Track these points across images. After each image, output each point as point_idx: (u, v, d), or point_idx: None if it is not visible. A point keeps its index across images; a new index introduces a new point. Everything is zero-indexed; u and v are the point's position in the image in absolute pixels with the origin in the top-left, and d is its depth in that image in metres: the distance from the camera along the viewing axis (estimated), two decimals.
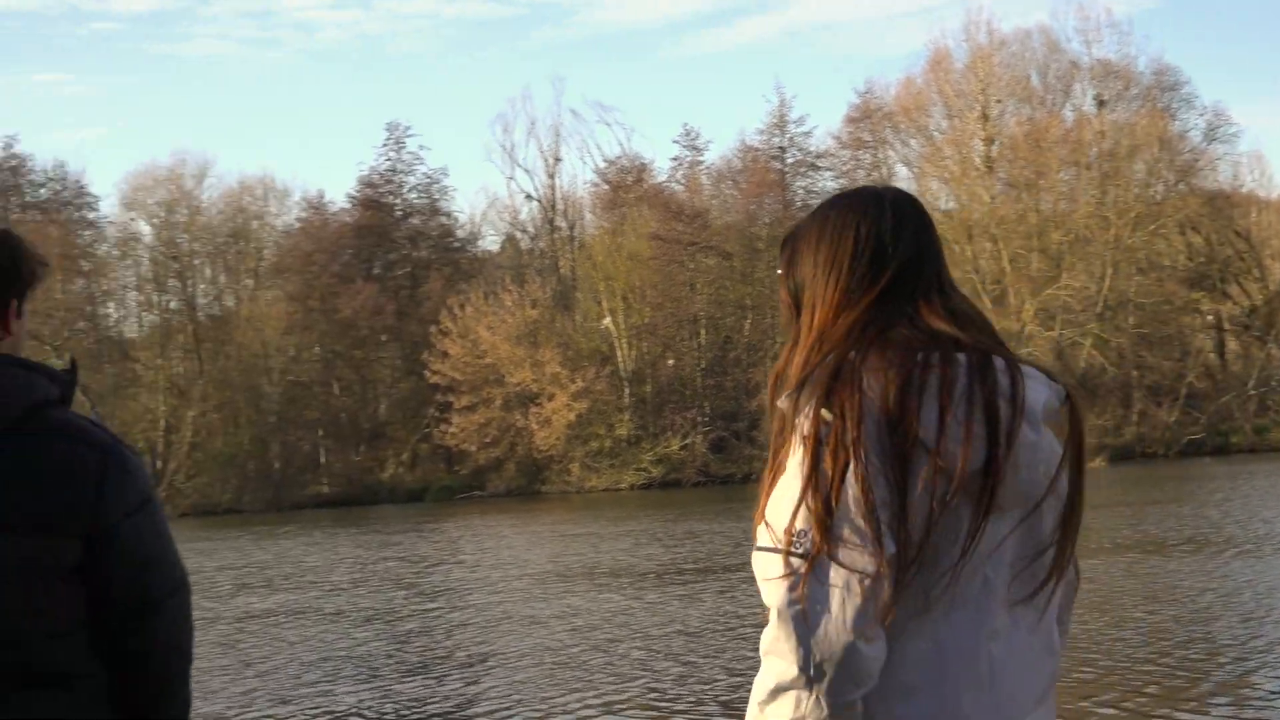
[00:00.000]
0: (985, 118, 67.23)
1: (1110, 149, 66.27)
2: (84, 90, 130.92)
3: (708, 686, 13.13)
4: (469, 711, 12.46)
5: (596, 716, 12.04)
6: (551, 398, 64.30)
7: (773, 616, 2.52)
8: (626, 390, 66.04)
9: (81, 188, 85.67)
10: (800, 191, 75.56)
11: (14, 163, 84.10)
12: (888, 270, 2.72)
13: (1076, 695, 11.62)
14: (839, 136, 75.90)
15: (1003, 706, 2.63)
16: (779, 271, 2.90)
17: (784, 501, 2.55)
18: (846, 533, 2.50)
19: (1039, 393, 2.65)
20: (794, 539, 2.52)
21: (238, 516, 58.97)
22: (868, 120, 74.15)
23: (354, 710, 12.99)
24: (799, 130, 76.19)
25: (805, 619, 2.49)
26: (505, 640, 16.76)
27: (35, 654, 3.03)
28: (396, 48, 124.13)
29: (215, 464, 68.96)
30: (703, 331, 68.39)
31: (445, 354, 66.24)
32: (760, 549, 2.58)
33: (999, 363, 2.62)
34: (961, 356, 2.60)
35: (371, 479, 69.95)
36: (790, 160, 75.57)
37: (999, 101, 67.89)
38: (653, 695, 12.84)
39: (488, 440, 65.68)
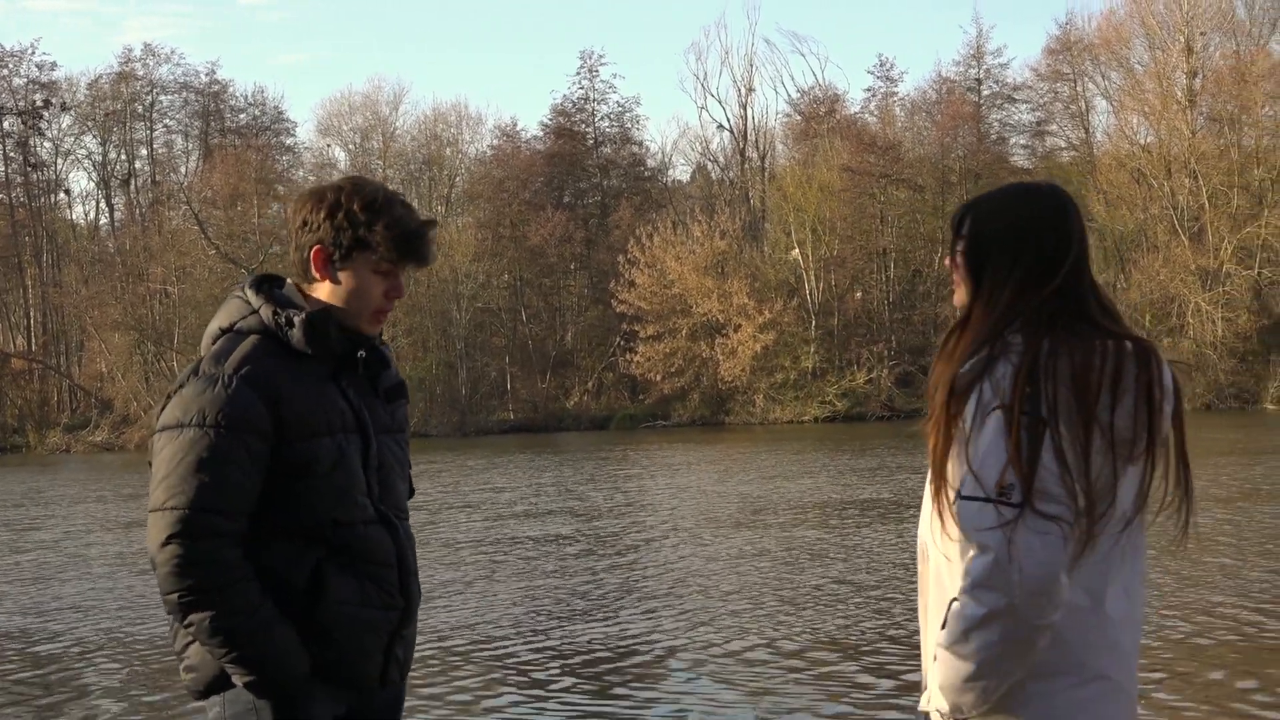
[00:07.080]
0: (1189, 50, 65.42)
1: None
2: (285, 16, 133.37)
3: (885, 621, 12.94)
4: (639, 644, 12.40)
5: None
6: (738, 329, 64.24)
7: (988, 556, 2.99)
8: (813, 322, 65.70)
9: (280, 113, 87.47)
10: (996, 124, 74.72)
11: (216, 88, 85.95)
12: (1064, 266, 3.19)
13: None
14: (1037, 69, 75.14)
15: (1135, 610, 3.23)
16: (958, 245, 3.31)
17: (991, 459, 3.02)
18: (1047, 487, 2.99)
19: (1171, 377, 3.19)
20: (1005, 491, 2.99)
21: (424, 440, 59.64)
22: (1067, 52, 72.98)
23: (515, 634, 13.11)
24: (996, 62, 75.47)
25: (1017, 558, 2.97)
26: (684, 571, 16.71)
27: None
28: None
29: None
30: (892, 265, 67.92)
31: (633, 283, 66.43)
32: (969, 498, 3.04)
33: (1154, 354, 3.14)
34: (1130, 346, 3.12)
35: (556, 406, 70.57)
36: (986, 92, 74.83)
37: (1203, 34, 65.98)
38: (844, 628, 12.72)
39: (673, 370, 65.83)
